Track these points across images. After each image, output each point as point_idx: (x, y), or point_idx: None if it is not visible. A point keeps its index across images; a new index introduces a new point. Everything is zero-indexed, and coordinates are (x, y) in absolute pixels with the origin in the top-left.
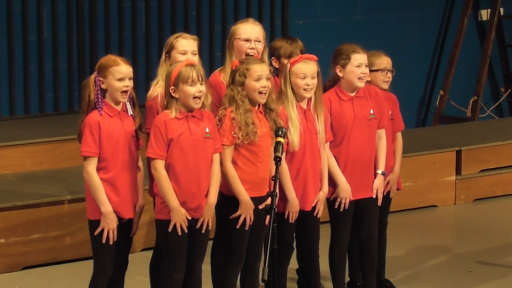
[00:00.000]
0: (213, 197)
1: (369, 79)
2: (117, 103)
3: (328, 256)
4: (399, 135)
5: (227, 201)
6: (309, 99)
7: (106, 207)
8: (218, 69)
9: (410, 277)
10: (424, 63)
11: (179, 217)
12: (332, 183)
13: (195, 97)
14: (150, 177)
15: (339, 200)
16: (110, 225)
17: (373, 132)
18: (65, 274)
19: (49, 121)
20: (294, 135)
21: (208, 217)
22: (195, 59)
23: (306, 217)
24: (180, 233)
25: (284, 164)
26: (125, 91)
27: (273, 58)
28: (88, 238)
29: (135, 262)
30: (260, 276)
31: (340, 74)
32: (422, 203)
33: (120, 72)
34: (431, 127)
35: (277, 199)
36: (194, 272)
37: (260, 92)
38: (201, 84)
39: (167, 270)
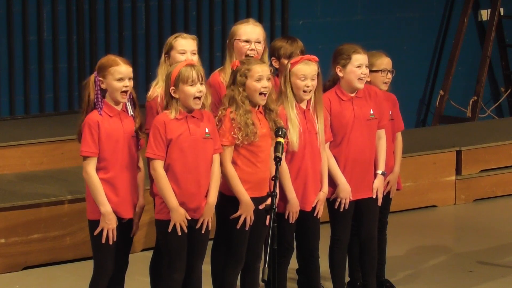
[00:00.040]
0: (213, 197)
1: (369, 79)
2: (117, 103)
3: (328, 256)
4: (399, 135)
5: (227, 201)
6: (309, 100)
7: (106, 207)
8: (218, 69)
9: (410, 277)
10: (424, 63)
11: (179, 217)
12: (332, 183)
13: (195, 98)
14: (151, 177)
15: (339, 200)
16: (109, 225)
17: (373, 132)
18: (65, 274)
19: (49, 121)
20: (293, 135)
21: (208, 217)
22: (195, 58)
23: (306, 217)
24: (179, 233)
25: (284, 164)
26: (125, 91)
27: (273, 58)
28: (88, 238)
29: (135, 262)
30: (260, 276)
31: (340, 74)
32: (422, 203)
33: (120, 72)
34: (431, 127)
35: (277, 199)
36: (194, 272)
37: (261, 93)
38: (201, 84)
39: (167, 270)
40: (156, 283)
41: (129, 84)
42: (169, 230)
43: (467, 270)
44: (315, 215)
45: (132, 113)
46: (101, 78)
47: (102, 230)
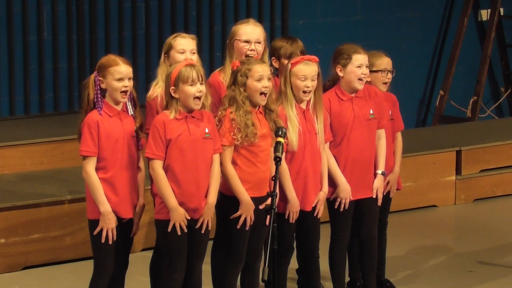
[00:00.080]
0: (212, 197)
1: (369, 79)
2: (117, 102)
3: (328, 256)
4: (399, 135)
5: (227, 201)
6: (309, 100)
7: (105, 206)
8: (218, 69)
9: (410, 277)
10: (424, 63)
11: (178, 217)
12: (332, 183)
13: (195, 98)
14: (151, 177)
15: (339, 200)
16: (109, 224)
17: (372, 132)
18: (65, 274)
19: (49, 121)
20: (293, 135)
21: (208, 217)
22: (194, 58)
23: (307, 217)
24: (179, 233)
25: (284, 164)
26: (125, 92)
27: (273, 58)
28: (88, 238)
29: (135, 262)
30: (260, 276)
31: (341, 74)
32: (422, 203)
33: (119, 72)
34: (431, 127)
35: (277, 199)
36: (194, 272)
37: (261, 93)
38: (201, 84)
39: (167, 270)
40: (156, 283)
41: (128, 84)
42: (169, 230)
43: (467, 270)
44: (315, 215)
45: (132, 113)
46: (101, 78)
47: (101, 230)
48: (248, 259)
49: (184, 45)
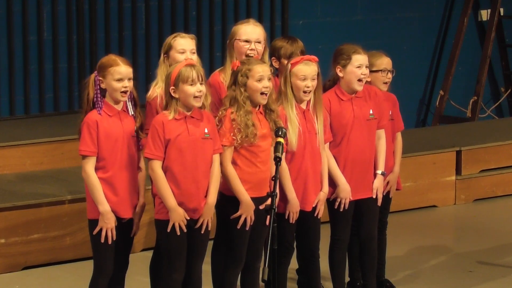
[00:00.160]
0: (212, 198)
1: (369, 79)
2: (117, 102)
3: (328, 256)
4: (398, 135)
5: (227, 201)
6: (309, 100)
7: (104, 206)
8: (218, 69)
9: (410, 277)
10: (424, 63)
11: (177, 217)
12: (332, 183)
13: (195, 97)
14: (151, 177)
15: (339, 200)
16: (108, 224)
17: (372, 132)
18: (65, 274)
19: (49, 121)
20: (293, 135)
21: (208, 217)
22: (194, 57)
23: (307, 217)
24: (179, 233)
25: (284, 164)
26: (124, 91)
27: (273, 58)
28: (88, 238)
29: (135, 262)
30: (260, 276)
31: (340, 74)
32: (422, 203)
33: (119, 73)
34: (431, 127)
35: (277, 199)
36: (194, 272)
37: (262, 93)
38: (201, 84)
39: (166, 270)
40: (156, 283)
41: (128, 84)
42: (168, 230)
43: (467, 270)
44: (315, 215)
45: (132, 112)
46: (100, 78)
47: (101, 230)
48: (248, 259)
49: (184, 45)
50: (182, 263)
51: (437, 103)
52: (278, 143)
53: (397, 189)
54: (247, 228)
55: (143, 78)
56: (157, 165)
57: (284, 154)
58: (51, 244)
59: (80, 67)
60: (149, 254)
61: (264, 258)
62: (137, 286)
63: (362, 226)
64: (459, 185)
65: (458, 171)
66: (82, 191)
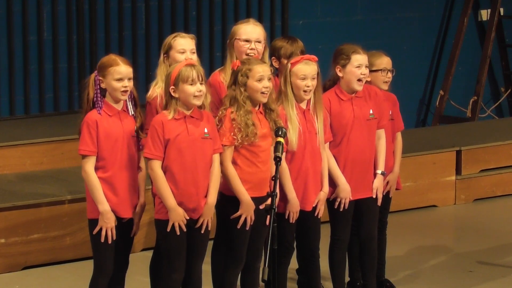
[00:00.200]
0: (212, 198)
1: (369, 79)
2: (117, 102)
3: (328, 256)
4: (398, 135)
5: (227, 201)
6: (309, 99)
7: (104, 205)
8: (219, 69)
9: (410, 277)
10: (424, 63)
11: (177, 217)
12: (332, 183)
13: (195, 96)
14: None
15: (339, 200)
16: (108, 224)
17: (372, 132)
18: (65, 274)
19: (49, 121)
20: (293, 135)
21: (208, 217)
22: (194, 57)
23: (307, 217)
24: (178, 233)
25: (284, 164)
26: (124, 91)
27: (273, 58)
28: (88, 238)
29: (135, 262)
30: (260, 276)
31: (340, 74)
32: (422, 203)
33: (119, 73)
34: (431, 127)
35: (277, 199)
36: (194, 272)
37: (262, 93)
38: (201, 84)
39: (166, 270)
40: (156, 283)
41: (128, 84)
42: (168, 230)
43: (467, 270)
44: (315, 215)
45: (133, 112)
46: (101, 78)
47: (101, 229)
48: (248, 259)
49: (184, 45)
50: (181, 263)
51: (437, 103)
52: (278, 143)
53: (397, 189)
54: (247, 228)
55: (143, 78)
56: (156, 165)
57: (284, 154)
58: (51, 244)
59: (80, 67)
60: (149, 254)
61: (264, 258)
62: (137, 286)
63: (362, 226)
64: (459, 185)
65: (458, 171)
66: (82, 191)
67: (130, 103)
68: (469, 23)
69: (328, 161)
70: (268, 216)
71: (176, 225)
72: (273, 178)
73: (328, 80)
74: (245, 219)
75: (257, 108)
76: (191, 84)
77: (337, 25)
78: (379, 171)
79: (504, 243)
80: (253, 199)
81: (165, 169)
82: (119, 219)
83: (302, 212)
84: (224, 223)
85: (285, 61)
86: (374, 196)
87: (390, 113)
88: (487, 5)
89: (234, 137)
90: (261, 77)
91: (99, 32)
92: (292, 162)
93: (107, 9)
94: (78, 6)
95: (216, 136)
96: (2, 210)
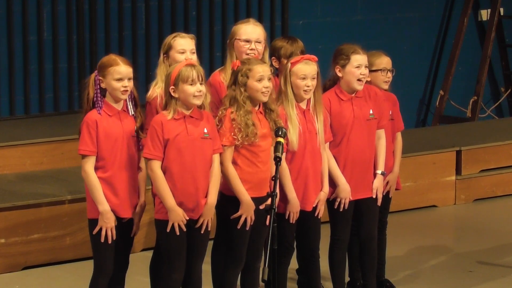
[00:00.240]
0: (212, 198)
1: (369, 79)
2: (117, 101)
3: (328, 256)
4: (398, 135)
5: (227, 201)
6: (309, 99)
7: (103, 205)
8: (219, 69)
9: (410, 277)
10: (424, 63)
11: (176, 217)
12: (332, 183)
13: (195, 96)
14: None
15: (338, 200)
16: (107, 223)
17: (372, 132)
18: (65, 274)
19: (49, 121)
20: (293, 135)
21: (208, 217)
22: (194, 57)
23: (307, 217)
24: (178, 233)
25: (284, 164)
26: (124, 91)
27: (273, 58)
28: (88, 238)
29: (135, 262)
30: (260, 276)
31: (340, 74)
32: (422, 203)
33: (119, 73)
34: (431, 127)
35: (277, 199)
36: (194, 272)
37: (262, 92)
38: (201, 84)
39: (166, 270)
40: (156, 283)
41: (128, 84)
42: (168, 230)
43: (467, 270)
44: (315, 215)
45: (133, 112)
46: (101, 78)
47: (101, 229)
48: (248, 259)
49: (184, 45)
50: (181, 263)
51: (437, 103)
52: (278, 143)
53: (396, 189)
54: (247, 228)
55: (143, 78)
56: (156, 165)
57: (284, 154)
58: (51, 244)
59: (80, 67)
60: (149, 254)
61: (264, 258)
62: (137, 286)
63: (362, 226)
64: (459, 185)
65: (458, 171)
66: (82, 191)
67: (130, 103)
68: (469, 23)
69: (328, 161)
70: (268, 216)
71: (176, 225)
72: (273, 178)
73: (328, 80)
74: (245, 219)
75: (257, 108)
76: (191, 84)
77: (337, 25)
78: (379, 171)
79: (504, 243)
80: (253, 199)
81: (164, 169)
82: (119, 219)
83: (302, 212)
84: (224, 223)
85: (285, 61)
86: (374, 196)
87: (390, 113)
88: (487, 5)
89: (234, 137)
90: (261, 77)
91: (99, 32)
92: (292, 162)
93: (107, 9)
94: (78, 6)
95: (216, 136)
96: (2, 210)
